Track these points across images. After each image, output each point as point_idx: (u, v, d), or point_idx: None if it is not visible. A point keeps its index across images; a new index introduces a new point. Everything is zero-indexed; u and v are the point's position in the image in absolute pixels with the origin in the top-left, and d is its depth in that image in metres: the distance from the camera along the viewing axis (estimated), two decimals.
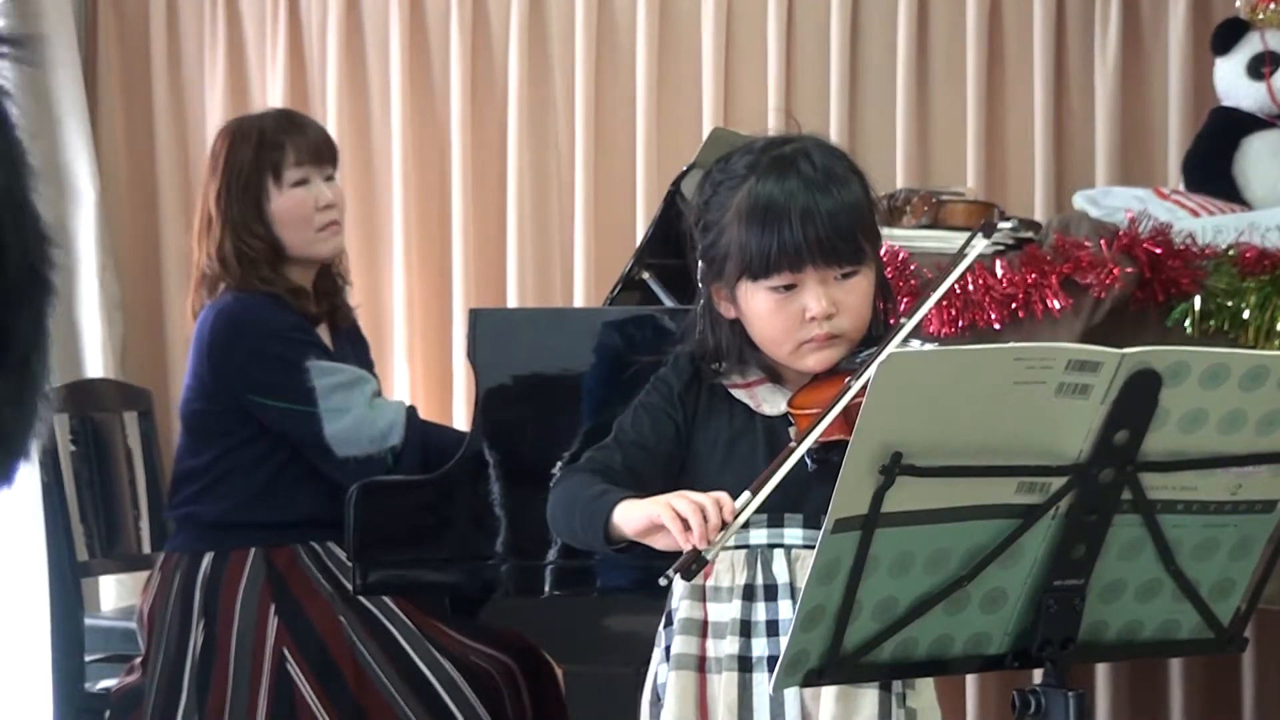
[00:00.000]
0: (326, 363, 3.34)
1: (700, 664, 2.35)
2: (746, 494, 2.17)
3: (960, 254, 2.33)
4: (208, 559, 3.36)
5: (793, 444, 2.21)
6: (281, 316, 3.37)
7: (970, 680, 4.32)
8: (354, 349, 3.55)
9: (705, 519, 2.12)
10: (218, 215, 3.41)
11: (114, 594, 4.66)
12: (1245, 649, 2.16)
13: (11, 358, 0.77)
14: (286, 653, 3.29)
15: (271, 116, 3.56)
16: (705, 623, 2.35)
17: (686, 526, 2.12)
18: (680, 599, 2.36)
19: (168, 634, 3.37)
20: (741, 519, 2.15)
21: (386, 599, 3.33)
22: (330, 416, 3.29)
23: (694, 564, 2.12)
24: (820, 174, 2.31)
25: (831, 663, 1.98)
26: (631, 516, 2.21)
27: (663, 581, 2.16)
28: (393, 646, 3.32)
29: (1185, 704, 4.25)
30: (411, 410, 3.37)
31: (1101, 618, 2.08)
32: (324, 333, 3.48)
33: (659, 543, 2.18)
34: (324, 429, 3.28)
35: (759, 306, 2.33)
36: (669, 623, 2.39)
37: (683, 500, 2.15)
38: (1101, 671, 4.26)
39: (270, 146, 3.42)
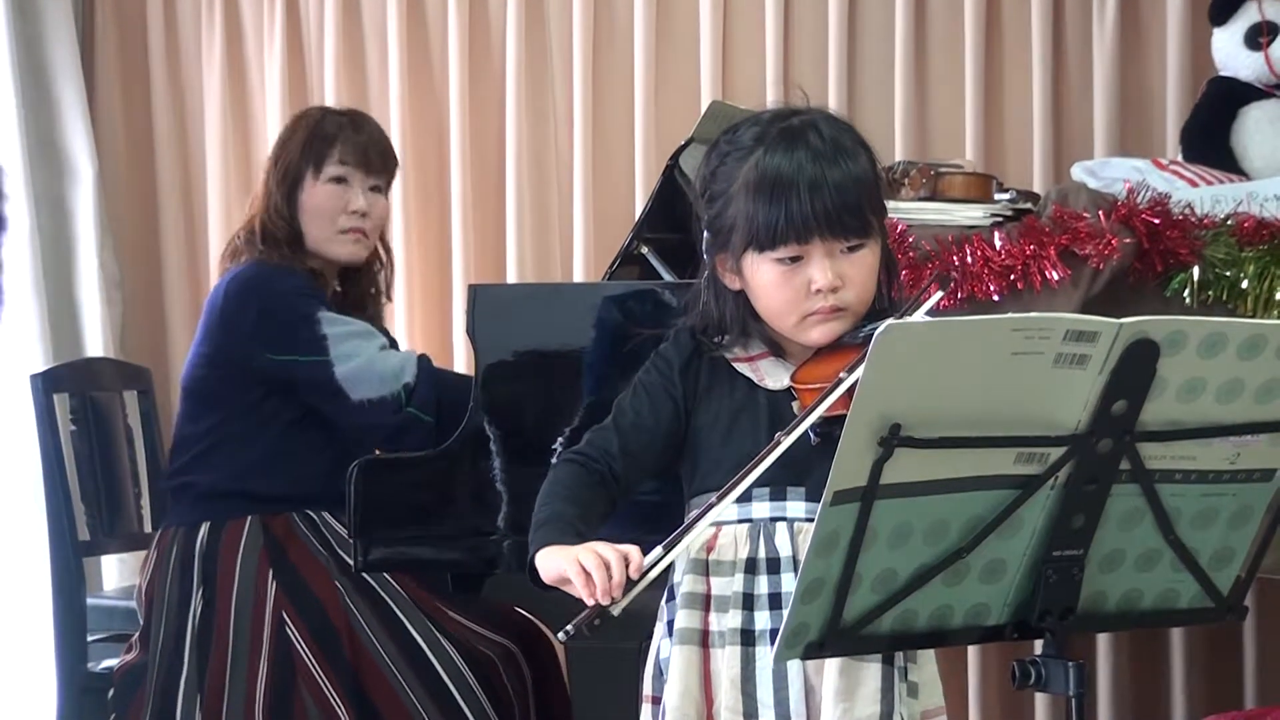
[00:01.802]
0: (337, 315, 3.37)
1: (703, 638, 2.35)
2: (658, 550, 2.19)
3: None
4: (204, 529, 3.38)
5: (742, 470, 2.21)
6: (291, 278, 3.43)
7: (971, 651, 4.33)
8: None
9: (610, 575, 2.14)
10: (263, 191, 3.52)
11: (116, 573, 4.66)
12: (1245, 618, 2.16)
13: None
14: (285, 616, 3.31)
15: (339, 113, 3.63)
16: (708, 596, 2.35)
17: (591, 581, 2.14)
18: (683, 573, 2.37)
19: (167, 606, 3.38)
20: (650, 575, 2.17)
21: (386, 574, 3.35)
22: (341, 360, 3.32)
23: (597, 619, 2.15)
24: (829, 146, 2.31)
25: (832, 635, 1.98)
26: (547, 566, 2.23)
27: (561, 637, 2.19)
28: (389, 616, 3.34)
29: (1186, 673, 4.26)
30: (423, 356, 3.40)
31: (1101, 588, 2.08)
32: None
33: (573, 593, 2.20)
34: (335, 372, 3.31)
35: (764, 278, 2.33)
36: (671, 597, 2.39)
37: (590, 555, 2.16)
38: (1102, 641, 4.26)
39: (321, 139, 3.50)
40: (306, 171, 3.48)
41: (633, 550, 2.17)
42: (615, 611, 2.16)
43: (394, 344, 3.59)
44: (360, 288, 3.59)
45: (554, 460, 2.44)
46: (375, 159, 3.53)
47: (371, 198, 3.51)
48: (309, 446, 3.39)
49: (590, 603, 2.15)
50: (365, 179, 3.51)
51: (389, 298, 3.67)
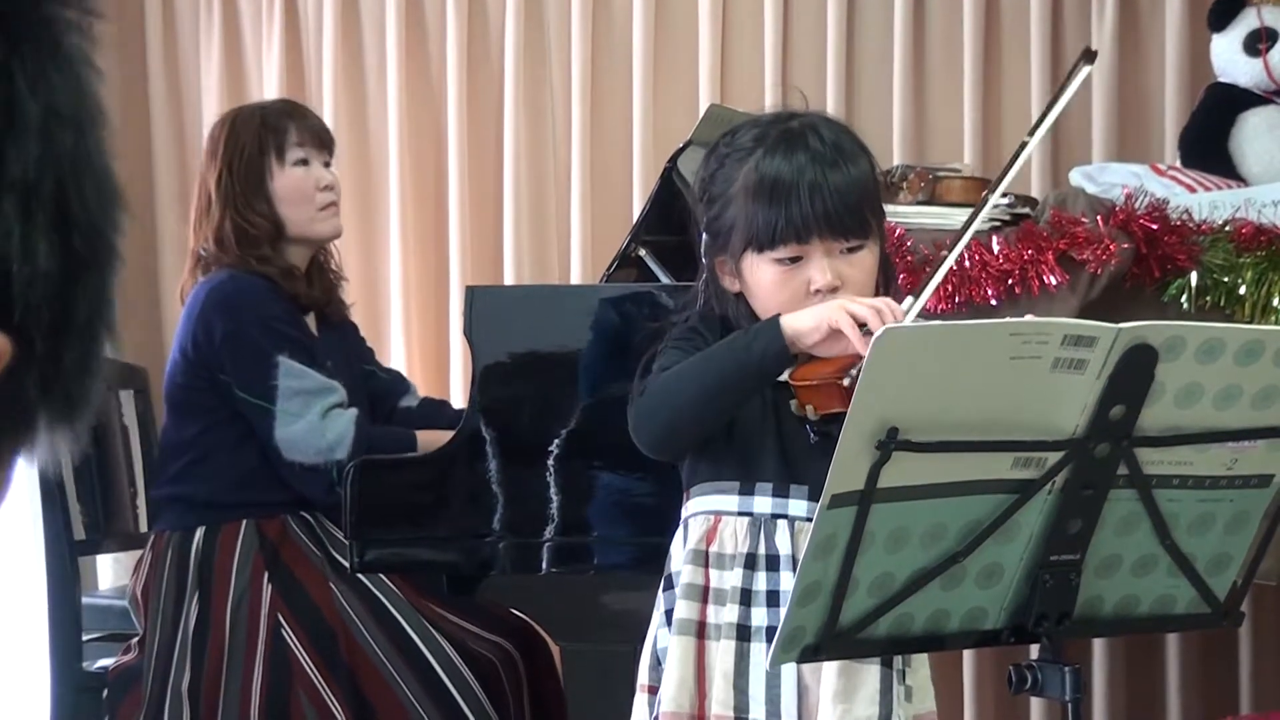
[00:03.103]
0: (297, 365, 3.35)
1: (700, 630, 2.35)
2: (909, 299, 2.25)
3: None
4: (199, 534, 3.38)
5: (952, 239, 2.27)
6: (271, 304, 3.39)
7: (967, 656, 4.33)
8: (342, 342, 3.58)
9: (882, 320, 2.17)
10: (218, 197, 3.46)
11: (111, 572, 4.66)
12: (1241, 623, 2.16)
13: (76, 327, 0.76)
14: (281, 620, 3.30)
15: (273, 103, 3.65)
16: (707, 588, 2.36)
17: (863, 328, 2.17)
18: (682, 563, 2.37)
19: (163, 610, 3.38)
20: (910, 316, 2.22)
21: (381, 574, 3.35)
22: (283, 419, 3.32)
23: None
24: (829, 149, 2.32)
25: (828, 638, 1.98)
26: (803, 325, 2.25)
27: (845, 383, 2.18)
28: (386, 617, 3.34)
29: (1181, 679, 4.26)
30: (361, 421, 3.38)
31: (1098, 593, 2.08)
32: (311, 321, 3.50)
33: (831, 349, 2.22)
34: (274, 430, 3.31)
35: (764, 278, 2.33)
36: (669, 586, 2.40)
37: (857, 304, 2.21)
38: (1098, 646, 4.26)
39: (273, 129, 3.49)
40: (270, 160, 3.47)
41: (888, 300, 2.24)
42: None
43: (366, 357, 3.61)
44: (322, 272, 3.58)
45: (644, 388, 2.37)
46: (325, 138, 3.57)
47: (330, 172, 3.55)
48: None
49: (864, 352, 2.13)
50: (320, 155, 3.54)
51: (344, 277, 3.67)
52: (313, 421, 3.33)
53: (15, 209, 0.73)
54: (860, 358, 2.08)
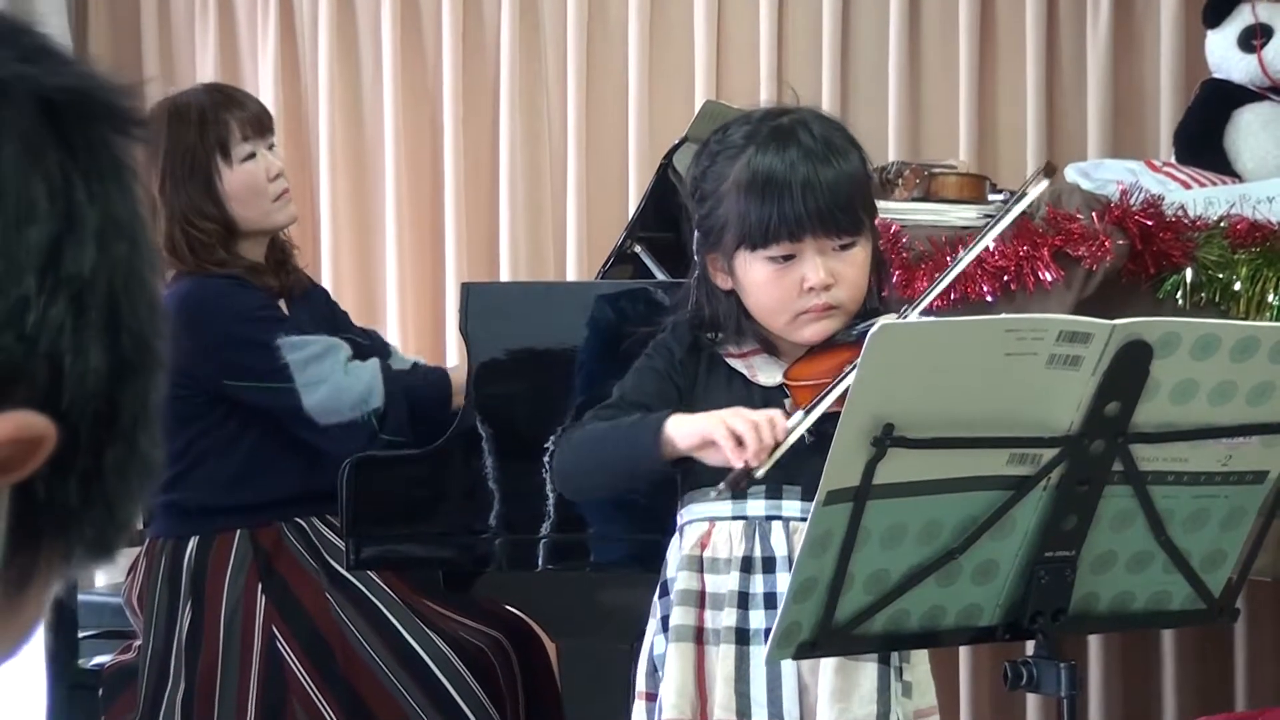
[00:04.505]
0: (296, 337, 3.30)
1: (698, 635, 2.35)
2: (799, 413, 2.20)
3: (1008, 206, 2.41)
4: (192, 543, 3.34)
5: (848, 370, 2.23)
6: (245, 297, 3.33)
7: (963, 652, 4.33)
8: (312, 313, 3.51)
9: (760, 437, 2.16)
10: (162, 204, 3.32)
11: (106, 570, 4.66)
12: (1237, 620, 2.17)
13: (120, 429, 0.80)
14: (276, 631, 3.28)
15: (205, 93, 3.48)
16: (703, 594, 2.35)
17: (739, 444, 2.16)
18: (678, 569, 2.37)
19: (156, 619, 3.36)
20: (793, 437, 2.19)
21: (375, 577, 3.33)
22: (307, 390, 3.26)
23: (744, 480, 2.16)
24: (820, 145, 2.31)
25: (824, 634, 1.99)
26: (684, 431, 2.25)
27: (713, 495, 2.22)
28: (382, 623, 3.32)
29: (1177, 675, 4.26)
30: (386, 368, 3.35)
31: (1093, 589, 2.08)
32: (283, 305, 3.46)
33: (710, 458, 2.22)
34: (302, 402, 3.26)
35: (757, 276, 2.33)
36: (664, 592, 2.39)
37: (737, 418, 2.19)
38: (1093, 643, 4.26)
39: (214, 124, 3.35)
40: (215, 161, 3.33)
41: (776, 413, 2.20)
42: (760, 474, 2.18)
43: (340, 320, 3.57)
44: (276, 248, 3.49)
45: (570, 428, 2.43)
46: (266, 120, 3.44)
47: (275, 154, 3.43)
48: (288, 448, 3.35)
49: (739, 465, 2.16)
50: (265, 142, 3.40)
51: (296, 246, 3.58)
52: (337, 381, 3.27)
53: (68, 306, 0.76)
54: (855, 358, 2.08)
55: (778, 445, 2.16)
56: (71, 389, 0.77)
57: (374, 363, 3.35)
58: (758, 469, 2.16)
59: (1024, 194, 2.42)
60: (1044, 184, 2.42)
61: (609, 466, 2.37)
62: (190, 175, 3.33)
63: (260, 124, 3.41)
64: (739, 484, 2.17)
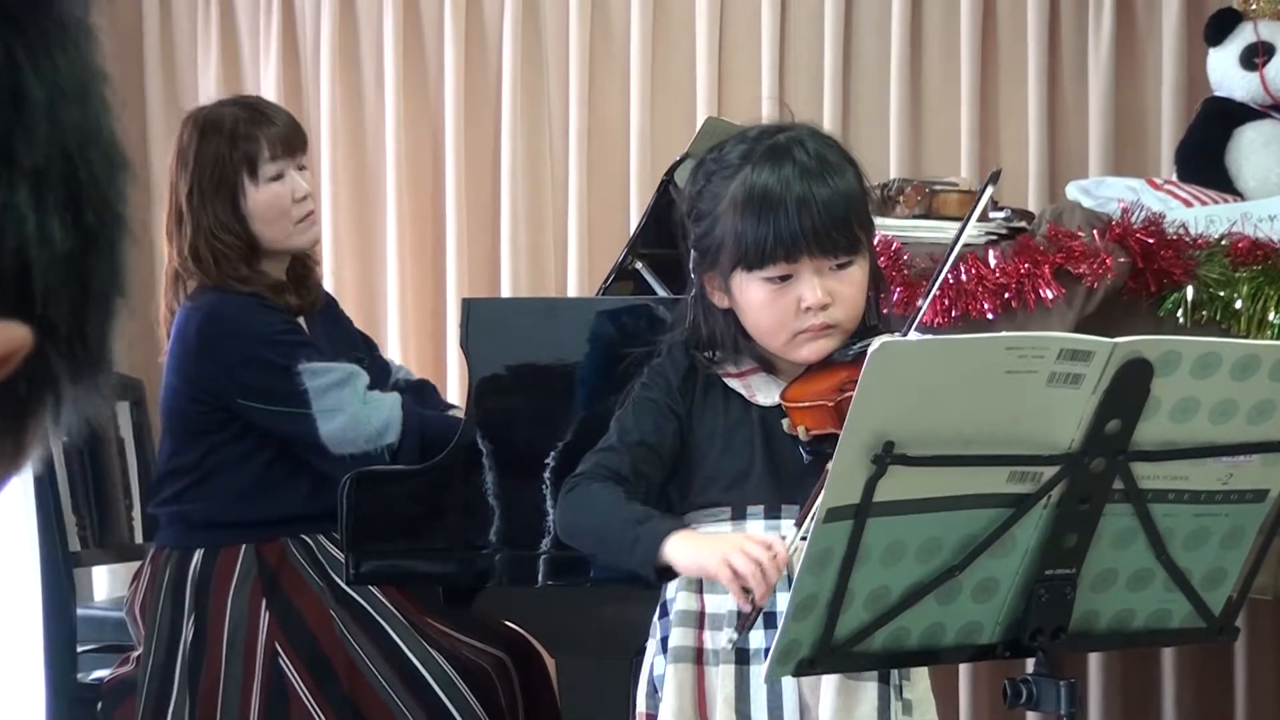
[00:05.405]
0: (318, 364, 3.29)
1: (698, 656, 2.34)
2: (791, 530, 2.18)
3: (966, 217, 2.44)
4: (198, 556, 3.34)
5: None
6: (269, 318, 3.33)
7: (963, 670, 4.33)
8: (330, 331, 3.50)
9: (765, 579, 2.13)
10: (189, 213, 3.35)
11: (106, 584, 4.65)
12: (1237, 638, 2.17)
13: (93, 301, 0.77)
14: (279, 648, 3.28)
15: (240, 107, 3.46)
16: (702, 614, 2.35)
17: (744, 585, 2.14)
18: (677, 589, 2.36)
19: (159, 630, 3.35)
20: (793, 560, 2.15)
21: (379, 594, 3.33)
22: (324, 417, 3.25)
23: (754, 620, 2.17)
24: (815, 162, 2.30)
25: (824, 652, 1.98)
26: (685, 559, 2.22)
27: (726, 644, 2.22)
28: (385, 641, 3.32)
29: (1177, 693, 4.25)
30: (406, 403, 3.35)
31: (1093, 607, 2.08)
32: (301, 323, 3.45)
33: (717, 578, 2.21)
34: (319, 430, 3.25)
35: (754, 297, 2.32)
36: (664, 613, 2.39)
37: (741, 558, 2.14)
38: (1093, 661, 4.26)
39: (244, 140, 3.34)
40: (242, 179, 3.33)
41: (775, 540, 2.17)
42: (769, 607, 2.18)
43: (355, 340, 3.57)
44: (299, 265, 3.49)
45: (575, 483, 2.41)
46: (296, 140, 3.42)
47: (305, 176, 3.41)
48: (298, 468, 3.35)
49: (747, 609, 2.16)
50: (294, 162, 3.39)
51: (317, 261, 3.59)
52: (355, 410, 3.25)
53: (28, 197, 0.73)
54: (855, 377, 2.08)
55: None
56: (42, 281, 0.74)
57: (394, 397, 3.33)
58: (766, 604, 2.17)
59: (977, 202, 2.47)
60: (990, 190, 2.51)
61: (605, 554, 2.42)
62: (217, 191, 3.34)
63: (290, 143, 3.39)
64: (749, 625, 2.18)
